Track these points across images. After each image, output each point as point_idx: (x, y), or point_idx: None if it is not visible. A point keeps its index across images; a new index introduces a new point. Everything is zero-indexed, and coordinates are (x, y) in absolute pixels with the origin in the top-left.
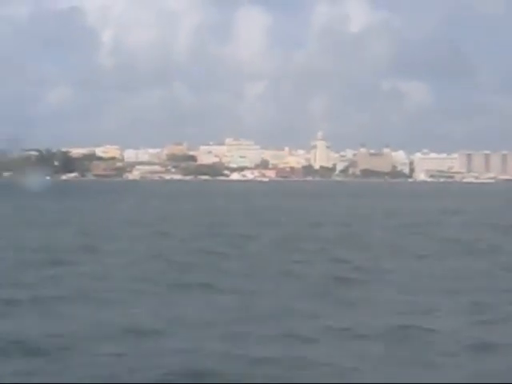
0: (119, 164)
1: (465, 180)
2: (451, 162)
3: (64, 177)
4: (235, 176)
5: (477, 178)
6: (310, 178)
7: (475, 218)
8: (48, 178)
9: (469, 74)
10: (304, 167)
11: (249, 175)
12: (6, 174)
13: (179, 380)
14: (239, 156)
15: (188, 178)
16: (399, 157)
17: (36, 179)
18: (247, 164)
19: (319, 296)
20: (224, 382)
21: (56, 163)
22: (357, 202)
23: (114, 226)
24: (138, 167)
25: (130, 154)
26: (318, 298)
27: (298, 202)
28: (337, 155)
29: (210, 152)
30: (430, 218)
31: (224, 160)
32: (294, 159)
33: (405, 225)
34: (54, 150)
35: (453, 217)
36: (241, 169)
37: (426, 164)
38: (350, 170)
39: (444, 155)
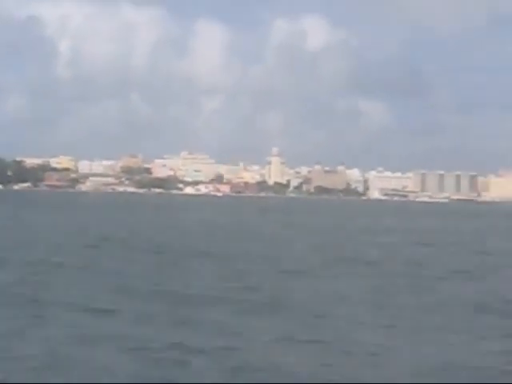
0: (73, 175)
1: (418, 199)
2: (405, 181)
3: (16, 186)
4: (189, 190)
5: (430, 197)
6: (263, 194)
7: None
8: (0, 186)
9: (425, 94)
10: (258, 183)
11: (203, 189)
12: None
13: None
14: (194, 170)
15: (142, 190)
16: (354, 175)
17: None
18: (202, 178)
19: None
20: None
21: (9, 173)
22: (290, 219)
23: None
24: (91, 179)
25: (84, 166)
26: None
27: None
28: (292, 171)
29: (164, 165)
30: (347, 236)
31: (179, 173)
32: (249, 174)
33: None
34: (8, 160)
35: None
36: (195, 183)
37: (381, 182)
38: (304, 187)
39: (399, 174)
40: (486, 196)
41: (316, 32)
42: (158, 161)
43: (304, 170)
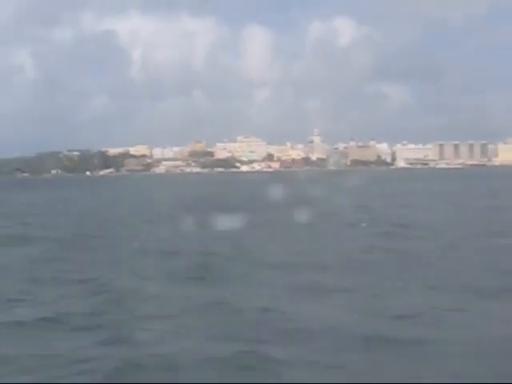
0: (148, 160)
1: (438, 166)
2: (426, 152)
3: (101, 172)
4: (245, 168)
5: (448, 164)
6: (308, 168)
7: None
8: (88, 173)
9: (439, 77)
10: (303, 159)
11: (257, 167)
12: (53, 171)
13: None
14: (249, 151)
15: (205, 170)
16: (383, 148)
17: (78, 175)
18: (255, 157)
19: None
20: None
21: (95, 161)
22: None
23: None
24: (164, 163)
25: (157, 152)
26: None
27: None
28: (331, 148)
29: (224, 148)
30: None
31: (236, 155)
32: (295, 152)
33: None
34: (94, 150)
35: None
36: (250, 162)
37: (405, 153)
38: (341, 161)
39: (420, 145)
40: (496, 161)
41: (345, 30)
42: (218, 145)
43: (341, 146)
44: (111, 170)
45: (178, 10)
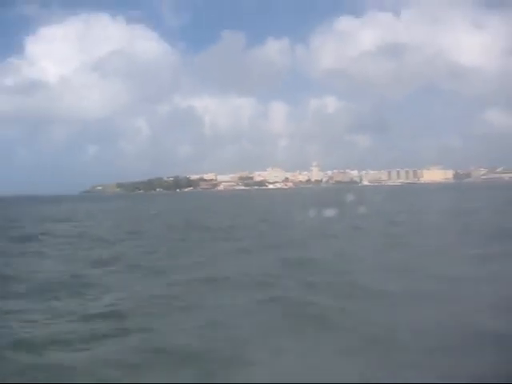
0: (214, 182)
1: (386, 184)
2: (380, 175)
3: (185, 190)
4: (271, 186)
5: (393, 182)
6: (310, 186)
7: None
8: (178, 190)
9: (387, 130)
10: (306, 180)
11: (278, 185)
12: (158, 189)
13: None
14: (274, 176)
15: (247, 188)
16: (354, 173)
17: (172, 191)
18: (278, 180)
19: None
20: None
21: (182, 183)
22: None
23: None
24: (223, 183)
25: (220, 177)
26: None
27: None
28: (323, 173)
29: (259, 175)
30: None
31: (266, 178)
32: (302, 176)
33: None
34: (182, 177)
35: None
36: (274, 182)
37: (368, 176)
38: (329, 181)
39: (376, 171)
40: (422, 180)
41: (331, 103)
42: (256, 172)
43: (329, 173)
44: (191, 188)
45: (229, 92)
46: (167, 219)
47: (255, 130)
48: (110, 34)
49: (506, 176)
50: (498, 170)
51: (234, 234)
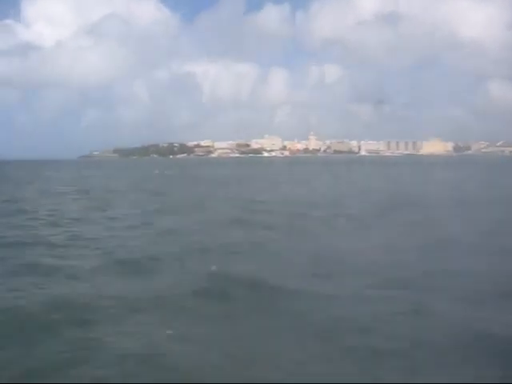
0: (210, 149)
1: (385, 154)
2: (379, 145)
3: (178, 156)
4: (267, 154)
5: (391, 153)
6: (307, 155)
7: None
8: (171, 156)
9: (388, 100)
10: (304, 149)
11: (274, 153)
12: (152, 155)
13: None
14: (271, 143)
15: (242, 155)
16: (353, 143)
17: (165, 157)
18: (275, 148)
19: None
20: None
21: (175, 149)
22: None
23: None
24: (218, 151)
25: (217, 144)
26: None
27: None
28: (321, 143)
29: (256, 142)
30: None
31: (264, 146)
32: (299, 145)
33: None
34: (176, 143)
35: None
36: (271, 150)
37: (366, 146)
38: (327, 150)
39: (375, 142)
40: (422, 151)
41: (331, 72)
42: (253, 140)
43: (327, 142)
44: (185, 154)
45: (228, 58)
46: None
47: (254, 97)
48: None
49: (507, 150)
50: (498, 144)
51: None
